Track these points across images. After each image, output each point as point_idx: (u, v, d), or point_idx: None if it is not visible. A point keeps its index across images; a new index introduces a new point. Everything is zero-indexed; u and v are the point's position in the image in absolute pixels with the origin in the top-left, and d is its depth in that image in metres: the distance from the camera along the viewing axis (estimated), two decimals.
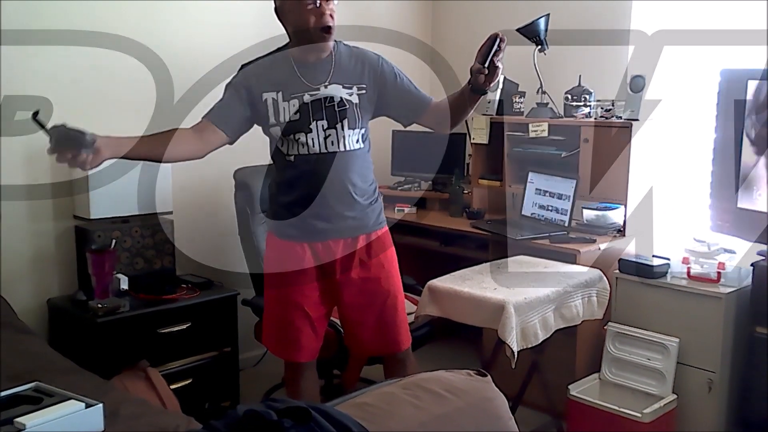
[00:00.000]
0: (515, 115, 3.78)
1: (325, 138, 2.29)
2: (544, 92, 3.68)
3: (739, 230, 2.91)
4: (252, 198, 3.06)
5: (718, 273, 2.90)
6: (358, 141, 2.35)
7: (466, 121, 3.91)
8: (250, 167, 3.15)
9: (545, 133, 3.54)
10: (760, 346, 2.76)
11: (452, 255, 3.68)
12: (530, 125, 3.58)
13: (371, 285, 2.43)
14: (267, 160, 3.27)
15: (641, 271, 3.03)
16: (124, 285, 2.97)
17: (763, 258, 2.81)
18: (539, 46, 3.65)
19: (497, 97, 3.80)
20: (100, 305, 2.77)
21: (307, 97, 2.28)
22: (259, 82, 2.30)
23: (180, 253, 3.24)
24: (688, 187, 3.43)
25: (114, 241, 2.91)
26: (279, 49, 2.38)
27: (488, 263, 3.01)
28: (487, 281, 2.72)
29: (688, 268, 2.97)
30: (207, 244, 3.51)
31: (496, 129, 3.75)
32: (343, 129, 2.30)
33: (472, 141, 3.86)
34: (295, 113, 2.28)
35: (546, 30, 3.63)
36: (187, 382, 2.95)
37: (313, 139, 2.28)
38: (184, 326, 2.94)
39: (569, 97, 3.54)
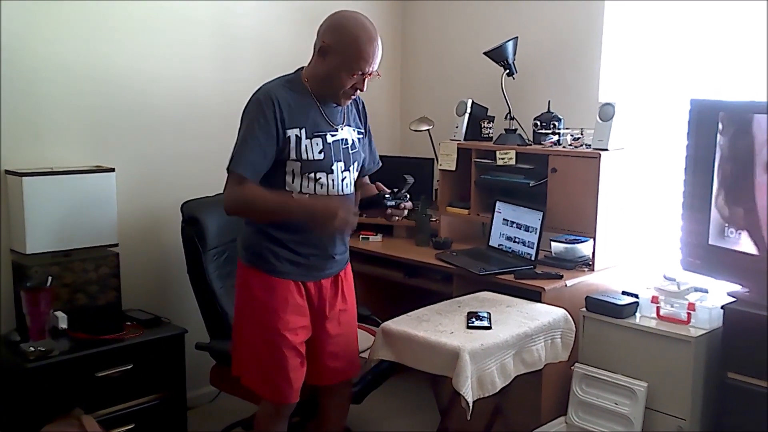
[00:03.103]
0: (483, 141, 3.65)
1: (342, 180, 2.35)
2: (512, 118, 3.55)
3: (711, 269, 2.78)
4: (203, 234, 2.87)
5: (689, 314, 2.77)
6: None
7: (433, 147, 3.82)
8: (198, 200, 2.98)
9: (513, 161, 3.40)
10: (732, 393, 2.62)
11: (416, 287, 3.53)
12: (498, 152, 3.44)
13: (347, 316, 2.53)
14: (214, 191, 3.16)
15: (608, 309, 2.89)
16: (63, 324, 2.78)
17: (735, 299, 2.67)
18: (507, 70, 3.52)
19: (465, 122, 3.67)
20: (32, 348, 2.60)
21: (329, 138, 2.31)
22: (285, 119, 2.24)
23: (127, 288, 3.07)
24: (660, 220, 3.31)
25: (50, 278, 2.74)
26: (293, 76, 2.35)
27: (449, 301, 2.86)
28: (445, 323, 2.57)
29: (658, 308, 2.84)
30: (155, 278, 3.34)
31: (465, 155, 3.62)
32: (353, 171, 2.40)
33: (440, 167, 3.72)
34: (320, 152, 2.28)
35: (514, 53, 3.50)
36: (128, 427, 2.78)
37: (333, 180, 2.32)
38: (126, 368, 2.77)
39: (538, 123, 3.41)
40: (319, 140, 2.29)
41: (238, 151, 2.23)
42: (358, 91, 2.30)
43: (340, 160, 2.34)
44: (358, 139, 2.43)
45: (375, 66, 2.25)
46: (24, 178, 2.75)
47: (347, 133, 2.38)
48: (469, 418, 2.32)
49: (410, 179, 2.31)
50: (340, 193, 2.34)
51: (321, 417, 2.70)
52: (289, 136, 2.24)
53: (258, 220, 2.33)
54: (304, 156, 2.26)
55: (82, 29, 3.02)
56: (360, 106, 2.48)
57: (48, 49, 2.93)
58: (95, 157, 3.08)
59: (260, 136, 2.21)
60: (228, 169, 2.23)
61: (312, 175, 2.28)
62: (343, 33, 2.22)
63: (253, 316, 2.37)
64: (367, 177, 2.57)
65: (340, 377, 2.56)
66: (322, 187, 2.30)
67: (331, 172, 2.31)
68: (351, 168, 2.38)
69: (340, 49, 2.21)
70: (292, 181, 2.28)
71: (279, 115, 2.22)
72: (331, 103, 2.33)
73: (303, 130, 2.26)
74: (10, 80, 2.84)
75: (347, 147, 2.37)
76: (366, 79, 2.26)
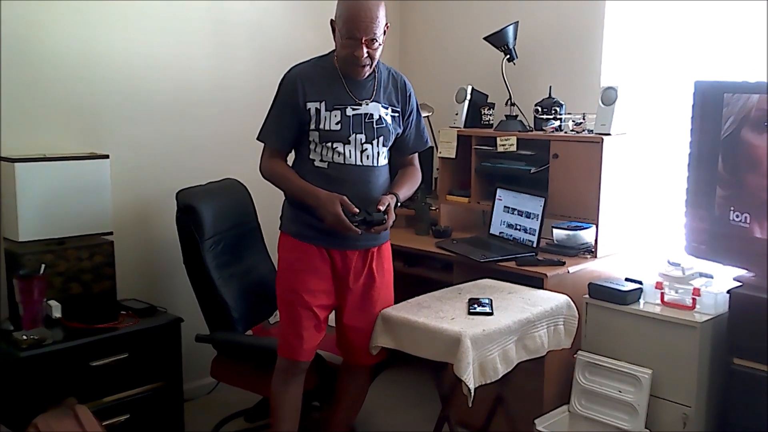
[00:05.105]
0: (484, 128, 3.60)
1: (362, 152, 2.44)
2: (513, 104, 3.50)
3: (716, 254, 2.73)
4: (200, 223, 2.81)
5: (693, 299, 2.72)
6: (384, 158, 2.52)
7: (433, 134, 3.77)
8: (194, 188, 2.93)
9: (514, 147, 3.35)
10: (737, 379, 2.58)
11: (416, 276, 3.48)
12: (498, 139, 3.39)
13: (375, 293, 2.56)
14: (209, 179, 3.13)
15: (612, 296, 2.85)
16: (57, 313, 2.74)
17: (740, 284, 2.63)
18: (508, 56, 3.47)
19: (465, 109, 3.62)
20: (24, 337, 2.55)
21: (349, 111, 2.43)
22: (306, 93, 2.42)
23: (121, 277, 3.02)
24: (664, 206, 3.26)
25: (43, 266, 2.69)
26: (325, 56, 2.51)
27: (449, 288, 2.81)
28: (446, 309, 2.53)
29: (662, 294, 2.80)
30: (150, 267, 3.29)
31: (465, 142, 3.57)
32: (378, 145, 2.47)
33: (439, 155, 3.67)
34: (337, 123, 2.41)
35: (515, 38, 3.45)
36: (123, 417, 2.73)
37: (350, 150, 2.42)
38: (121, 357, 2.72)
39: (539, 109, 3.36)
40: (338, 113, 2.41)
41: (263, 124, 2.50)
42: (365, 60, 2.36)
43: (360, 133, 2.43)
44: (392, 117, 2.51)
45: (370, 33, 2.33)
46: (17, 165, 2.70)
47: (374, 109, 2.46)
48: (470, 405, 2.28)
49: (377, 214, 2.38)
50: (358, 163, 2.44)
51: (336, 403, 2.70)
52: (309, 109, 2.41)
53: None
54: (321, 126, 2.41)
55: (76, 15, 2.97)
56: (400, 87, 2.55)
57: (41, 34, 2.89)
58: (89, 143, 3.04)
59: (280, 110, 2.46)
60: (257, 138, 2.50)
61: (329, 144, 2.41)
62: (341, 4, 2.39)
63: (279, 276, 2.55)
64: (416, 155, 2.67)
65: (361, 358, 2.58)
66: (339, 156, 2.42)
67: (348, 143, 2.42)
68: (374, 142, 2.46)
69: (338, 20, 2.38)
70: (314, 149, 2.44)
71: (301, 91, 2.41)
72: (357, 79, 2.44)
73: (323, 103, 2.41)
74: (3, 66, 2.79)
75: (371, 121, 2.45)
76: (363, 47, 2.33)
